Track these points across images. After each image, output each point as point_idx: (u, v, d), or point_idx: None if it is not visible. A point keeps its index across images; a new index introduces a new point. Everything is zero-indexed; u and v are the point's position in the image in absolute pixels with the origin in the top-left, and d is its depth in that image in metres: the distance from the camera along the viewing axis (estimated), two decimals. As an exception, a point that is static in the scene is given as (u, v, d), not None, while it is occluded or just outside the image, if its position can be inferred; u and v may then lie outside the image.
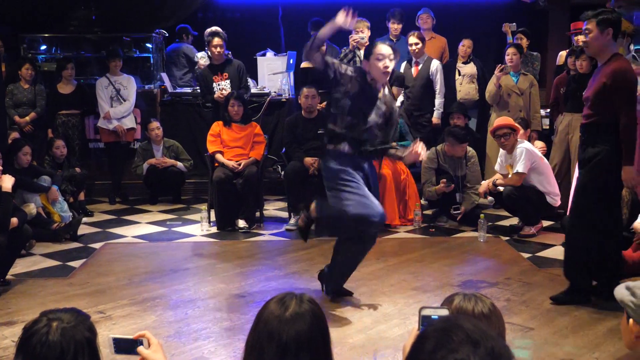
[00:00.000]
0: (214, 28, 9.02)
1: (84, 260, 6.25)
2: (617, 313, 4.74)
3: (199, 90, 8.75)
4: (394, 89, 7.86)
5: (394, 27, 8.77)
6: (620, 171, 4.77)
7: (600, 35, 4.71)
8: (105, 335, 4.41)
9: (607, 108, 4.74)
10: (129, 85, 8.72)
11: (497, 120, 7.22)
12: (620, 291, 2.51)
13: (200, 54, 9.49)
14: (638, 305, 2.41)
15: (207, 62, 8.70)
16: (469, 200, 7.31)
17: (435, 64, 8.40)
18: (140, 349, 2.52)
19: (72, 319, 2.19)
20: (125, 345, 2.52)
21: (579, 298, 4.97)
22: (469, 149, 7.48)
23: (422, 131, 8.15)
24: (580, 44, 5.00)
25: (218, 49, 7.92)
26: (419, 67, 8.39)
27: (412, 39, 8.26)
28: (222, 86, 7.94)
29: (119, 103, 8.63)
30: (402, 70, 8.38)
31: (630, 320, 2.43)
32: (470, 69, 8.74)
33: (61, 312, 2.23)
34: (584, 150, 4.94)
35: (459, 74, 8.79)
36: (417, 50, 8.29)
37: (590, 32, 4.75)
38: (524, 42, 8.88)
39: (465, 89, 8.74)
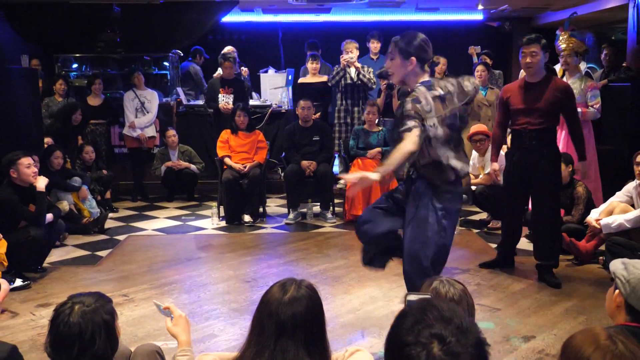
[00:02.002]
0: (228, 51, 9.05)
1: (110, 250, 6.25)
2: (572, 295, 4.79)
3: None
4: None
5: (374, 46, 8.77)
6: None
7: (543, 57, 4.86)
8: (129, 315, 4.44)
9: (556, 115, 4.98)
10: (152, 99, 8.71)
11: (474, 127, 7.18)
12: (616, 264, 2.53)
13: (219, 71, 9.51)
14: (627, 279, 2.42)
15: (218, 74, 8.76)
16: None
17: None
18: (167, 321, 2.55)
19: (93, 303, 2.20)
20: (162, 310, 2.58)
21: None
22: None
23: None
24: (526, 66, 4.89)
25: (228, 70, 8.12)
26: None
27: None
28: (226, 99, 8.00)
29: (142, 114, 8.62)
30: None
31: (616, 291, 2.45)
32: (445, 84, 8.73)
33: (86, 296, 2.24)
34: (535, 152, 4.95)
35: (435, 89, 8.76)
36: None
37: (537, 55, 4.82)
38: (488, 62, 8.88)
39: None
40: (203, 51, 10.31)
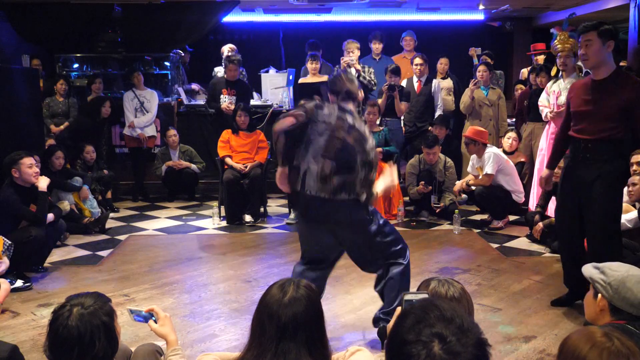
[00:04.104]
0: (231, 51, 9.03)
1: (111, 250, 6.25)
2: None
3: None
4: (402, 105, 7.83)
5: (376, 47, 8.77)
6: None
7: (602, 47, 3.99)
8: (127, 313, 4.42)
9: (625, 122, 4.04)
10: (152, 99, 8.71)
11: (468, 130, 7.23)
12: (590, 270, 2.53)
13: (217, 69, 9.51)
14: (607, 282, 2.44)
15: (222, 75, 8.75)
16: (446, 197, 7.33)
17: (436, 83, 8.31)
18: (151, 323, 2.54)
19: (91, 304, 2.19)
20: (140, 316, 2.56)
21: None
22: (448, 160, 7.48)
23: (424, 138, 7.87)
24: (581, 58, 4.10)
25: (232, 72, 8.00)
26: (422, 84, 8.34)
27: (418, 60, 8.21)
28: (229, 100, 7.98)
29: (142, 114, 8.62)
30: (404, 85, 8.29)
31: (599, 295, 2.45)
32: (447, 83, 8.73)
33: (84, 297, 2.23)
34: (589, 167, 4.17)
35: (438, 88, 8.76)
36: (422, 69, 8.22)
37: (591, 44, 3.99)
38: (489, 62, 8.87)
39: (443, 101, 8.72)
40: (186, 47, 10.30)
